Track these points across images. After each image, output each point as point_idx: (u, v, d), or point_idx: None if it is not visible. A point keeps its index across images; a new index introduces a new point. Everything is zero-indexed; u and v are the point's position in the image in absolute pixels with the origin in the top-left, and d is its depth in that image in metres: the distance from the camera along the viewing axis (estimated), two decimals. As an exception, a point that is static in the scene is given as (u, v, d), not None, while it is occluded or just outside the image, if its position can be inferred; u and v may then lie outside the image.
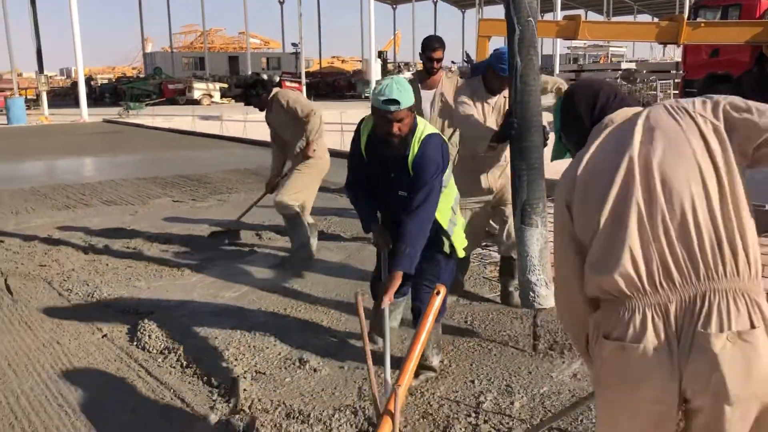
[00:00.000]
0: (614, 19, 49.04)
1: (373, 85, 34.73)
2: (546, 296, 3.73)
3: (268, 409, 3.19)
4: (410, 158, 3.15)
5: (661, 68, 23.05)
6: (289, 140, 5.70)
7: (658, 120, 1.68)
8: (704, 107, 1.66)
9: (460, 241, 3.44)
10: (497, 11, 58.79)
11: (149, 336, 4.07)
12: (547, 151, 4.17)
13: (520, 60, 3.63)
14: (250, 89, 5.63)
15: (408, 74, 5.70)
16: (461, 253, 3.48)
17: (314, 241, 5.76)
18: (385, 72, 33.44)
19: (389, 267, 3.18)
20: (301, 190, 5.61)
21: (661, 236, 1.56)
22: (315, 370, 3.60)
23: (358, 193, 3.48)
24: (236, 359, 3.75)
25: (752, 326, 1.50)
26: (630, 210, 1.59)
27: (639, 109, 1.80)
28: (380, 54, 40.91)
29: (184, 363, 3.73)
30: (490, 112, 4.29)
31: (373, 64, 30.58)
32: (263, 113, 5.78)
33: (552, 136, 3.53)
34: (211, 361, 3.70)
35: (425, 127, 3.22)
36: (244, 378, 3.48)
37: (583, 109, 1.87)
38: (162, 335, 4.09)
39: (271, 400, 3.27)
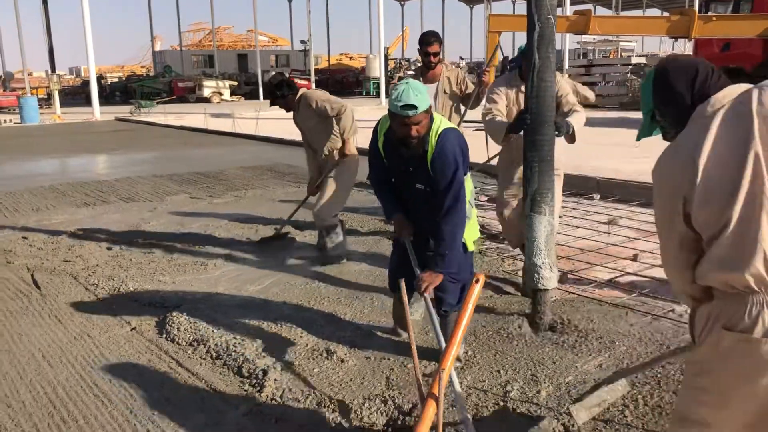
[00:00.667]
0: (623, 13, 48.83)
1: (376, 82, 35.24)
2: (550, 278, 3.92)
3: (299, 398, 3.26)
4: (429, 155, 3.23)
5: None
6: (320, 142, 5.58)
7: None
8: None
9: (471, 235, 3.50)
10: (505, 6, 58.51)
11: (178, 328, 4.15)
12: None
13: (538, 57, 3.72)
14: (275, 90, 5.45)
15: (410, 72, 5.78)
16: (471, 247, 3.54)
17: (346, 240, 5.77)
18: (386, 69, 33.58)
19: (431, 266, 3.28)
20: (340, 198, 5.60)
21: None
22: (342, 361, 3.67)
23: (382, 187, 3.58)
24: (265, 351, 3.82)
25: None
26: (762, 210, 1.64)
27: (743, 87, 1.79)
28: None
29: (214, 354, 3.81)
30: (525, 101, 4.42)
31: (379, 60, 30.58)
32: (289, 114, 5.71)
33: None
34: (241, 353, 3.77)
35: (441, 122, 3.29)
36: (274, 369, 3.56)
37: (683, 86, 1.85)
38: (190, 327, 4.16)
39: (301, 390, 3.34)
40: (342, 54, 63.18)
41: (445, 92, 5.76)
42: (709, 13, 16.02)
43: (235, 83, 40.56)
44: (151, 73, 50.06)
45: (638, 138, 2.12)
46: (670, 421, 2.52)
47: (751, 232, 1.64)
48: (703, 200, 1.70)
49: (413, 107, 3.05)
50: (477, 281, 1.96)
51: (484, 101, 5.17)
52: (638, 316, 4.19)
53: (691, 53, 20.46)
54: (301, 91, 5.54)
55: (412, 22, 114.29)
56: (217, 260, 5.70)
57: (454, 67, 6.12)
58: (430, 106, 3.19)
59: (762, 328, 1.63)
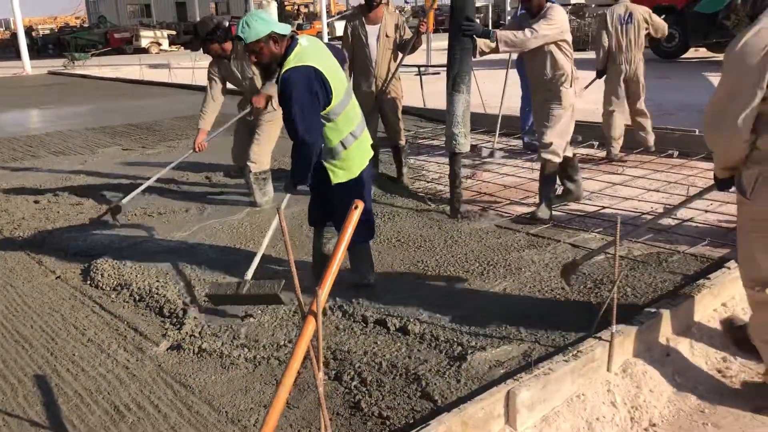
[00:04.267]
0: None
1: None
2: (464, 144, 4.89)
3: (217, 333, 3.40)
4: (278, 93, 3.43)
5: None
6: (251, 90, 5.47)
7: None
8: None
9: (342, 169, 3.53)
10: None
11: (102, 275, 4.21)
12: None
13: None
14: (212, 34, 5.20)
15: (347, 12, 5.82)
16: (337, 178, 3.55)
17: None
18: (282, 15, 33.07)
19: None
20: (270, 148, 5.59)
21: None
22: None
23: None
24: (187, 292, 3.93)
25: None
26: None
27: None
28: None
29: (137, 297, 3.90)
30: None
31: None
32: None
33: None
34: (163, 295, 3.87)
35: (292, 60, 3.32)
36: (194, 307, 3.68)
37: None
38: (114, 273, 4.23)
39: (219, 325, 3.48)
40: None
41: (387, 35, 5.80)
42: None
43: (174, 32, 39.35)
44: (86, 25, 48.11)
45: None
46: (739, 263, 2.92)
47: None
48: None
49: (239, 38, 3.33)
50: (356, 207, 2.09)
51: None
52: (547, 244, 4.42)
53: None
54: None
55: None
56: (147, 209, 5.72)
57: (395, 10, 6.15)
58: (269, 35, 3.27)
59: None
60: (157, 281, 4.08)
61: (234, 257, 4.49)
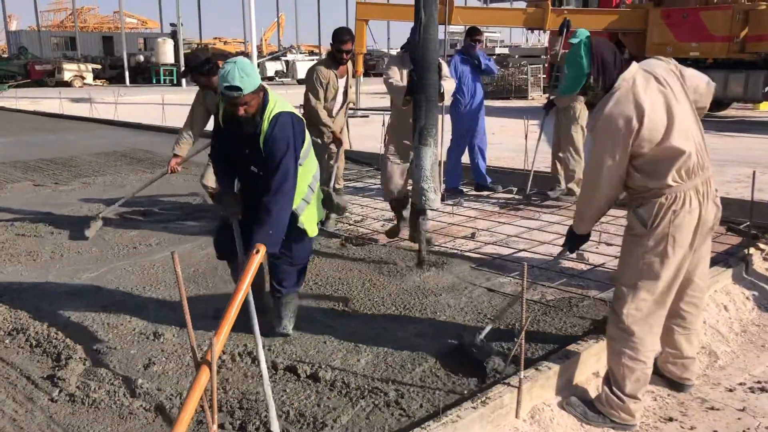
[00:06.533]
0: (492, 5, 50.57)
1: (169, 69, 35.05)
2: (434, 200, 4.58)
3: (115, 382, 3.21)
4: (261, 137, 3.27)
5: (532, 53, 24.15)
6: None
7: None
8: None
9: (309, 219, 3.57)
10: (380, -5, 59.06)
11: (-4, 318, 3.96)
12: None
13: (424, 14, 4.34)
14: (201, 67, 5.27)
15: (319, 62, 5.90)
16: (312, 232, 3.62)
17: None
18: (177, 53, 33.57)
19: (252, 242, 3.00)
20: None
21: None
22: (169, 341, 3.65)
23: (219, 162, 3.62)
24: (87, 337, 3.73)
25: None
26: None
27: (635, 64, 2.86)
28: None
29: (33, 343, 3.68)
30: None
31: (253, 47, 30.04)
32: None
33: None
34: (62, 340, 3.65)
35: (276, 105, 3.31)
36: (95, 353, 3.49)
37: (612, 60, 2.81)
38: (11, 317, 3.99)
39: (118, 373, 3.30)
40: (216, 38, 61.37)
41: (350, 86, 6.06)
42: (562, 7, 16.93)
43: (99, 67, 38.56)
44: (5, 55, 46.54)
45: (563, 92, 3.04)
46: (616, 298, 3.05)
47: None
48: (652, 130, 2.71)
49: (237, 89, 3.07)
50: (257, 252, 2.02)
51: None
52: (464, 287, 4.44)
53: (547, 44, 21.58)
54: None
55: (288, 8, 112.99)
56: (53, 248, 5.46)
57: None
58: (261, 87, 3.21)
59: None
60: (56, 325, 3.86)
61: (140, 300, 4.31)
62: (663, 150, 2.76)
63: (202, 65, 5.28)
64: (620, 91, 2.78)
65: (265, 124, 3.26)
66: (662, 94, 2.79)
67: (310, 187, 3.53)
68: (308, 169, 3.52)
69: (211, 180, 5.50)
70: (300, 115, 3.45)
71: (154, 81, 37.22)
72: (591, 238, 5.40)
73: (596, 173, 2.86)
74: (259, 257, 2.02)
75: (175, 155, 5.65)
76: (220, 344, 1.90)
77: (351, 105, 6.36)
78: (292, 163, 3.29)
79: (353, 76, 6.39)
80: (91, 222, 5.89)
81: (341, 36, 5.65)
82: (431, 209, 4.78)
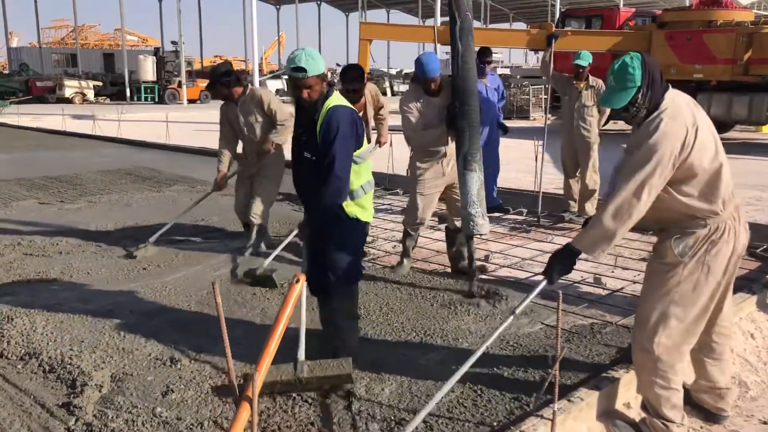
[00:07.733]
0: (492, 26, 50.93)
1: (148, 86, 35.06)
2: (482, 225, 4.55)
3: (134, 411, 3.12)
4: (318, 122, 3.34)
5: (533, 74, 24.22)
6: (250, 138, 5.68)
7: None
8: None
9: (360, 207, 3.52)
10: (379, 15, 59.51)
11: (8, 342, 3.87)
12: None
13: (461, 45, 4.46)
14: (223, 77, 5.47)
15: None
16: (366, 217, 3.57)
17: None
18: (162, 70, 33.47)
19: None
20: (272, 199, 5.81)
21: None
22: (186, 366, 3.56)
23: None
24: (103, 362, 3.64)
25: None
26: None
27: (673, 90, 2.84)
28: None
29: (47, 368, 3.58)
30: (435, 106, 4.87)
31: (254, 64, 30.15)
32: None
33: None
34: (76, 365, 3.56)
35: (337, 99, 3.41)
36: (111, 380, 3.40)
37: (659, 77, 2.76)
38: (23, 341, 3.90)
39: (137, 402, 3.20)
40: (216, 56, 61.61)
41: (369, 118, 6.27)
42: (566, 28, 17.00)
43: (100, 83, 38.62)
44: (6, 71, 46.65)
45: (604, 104, 2.87)
46: (641, 332, 2.98)
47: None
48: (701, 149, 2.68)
49: (303, 69, 3.21)
50: (297, 281, 1.95)
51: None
52: (482, 314, 4.36)
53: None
54: (252, 87, 5.75)
55: (289, 26, 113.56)
56: (61, 269, 5.37)
57: (371, 83, 6.38)
58: (324, 74, 3.33)
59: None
60: (71, 350, 3.77)
61: (156, 323, 4.22)
62: (715, 171, 2.73)
63: (223, 75, 5.48)
64: (671, 110, 2.72)
65: (324, 113, 3.34)
66: (703, 114, 2.80)
67: (362, 188, 3.52)
68: (363, 173, 3.53)
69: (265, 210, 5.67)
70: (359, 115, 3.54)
71: (135, 99, 37.08)
72: (607, 263, 5.36)
73: (638, 193, 2.68)
74: (299, 286, 1.95)
75: (220, 171, 5.78)
76: (261, 378, 1.82)
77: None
78: (345, 151, 3.33)
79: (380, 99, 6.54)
80: (139, 246, 5.84)
81: (349, 76, 5.58)
82: (480, 235, 4.72)
